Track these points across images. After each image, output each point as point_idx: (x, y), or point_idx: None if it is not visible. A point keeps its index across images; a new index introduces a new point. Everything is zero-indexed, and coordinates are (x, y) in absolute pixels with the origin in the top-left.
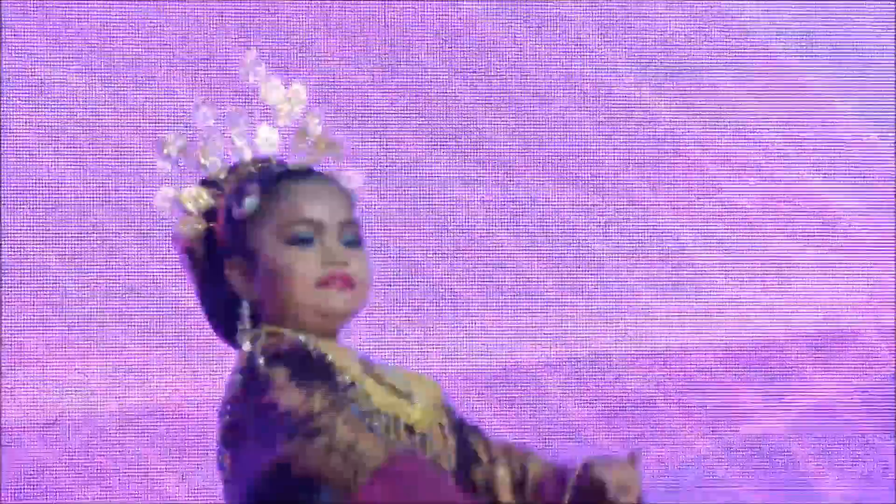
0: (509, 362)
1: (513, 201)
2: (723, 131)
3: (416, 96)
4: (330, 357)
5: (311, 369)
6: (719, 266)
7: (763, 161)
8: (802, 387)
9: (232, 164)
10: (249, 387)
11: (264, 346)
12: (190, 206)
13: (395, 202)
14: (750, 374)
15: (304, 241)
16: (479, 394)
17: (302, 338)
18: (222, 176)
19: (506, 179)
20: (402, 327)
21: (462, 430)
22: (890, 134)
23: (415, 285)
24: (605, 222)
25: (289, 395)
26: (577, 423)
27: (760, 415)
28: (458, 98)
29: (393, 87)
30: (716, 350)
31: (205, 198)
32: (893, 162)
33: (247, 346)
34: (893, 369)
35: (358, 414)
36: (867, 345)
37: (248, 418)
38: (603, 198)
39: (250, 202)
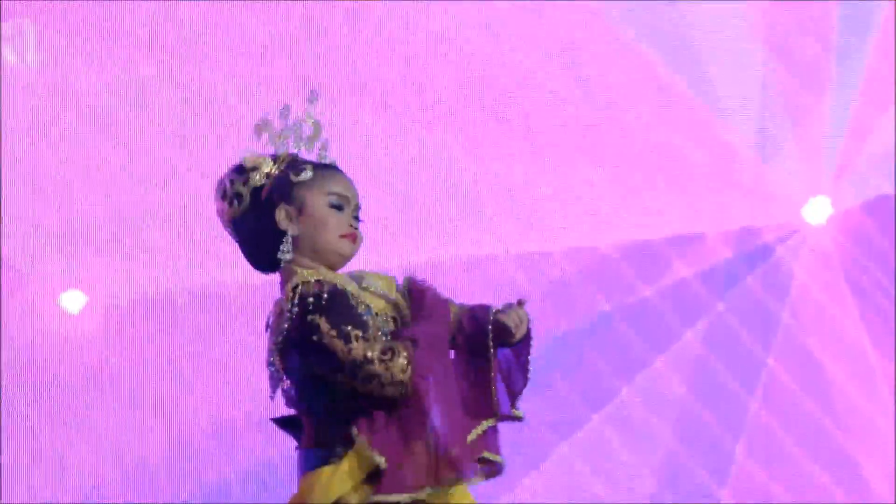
0: None
1: None
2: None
3: None
4: (349, 289)
5: (343, 309)
6: None
7: None
8: None
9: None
10: (300, 325)
11: (310, 292)
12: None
13: None
14: None
15: (338, 207)
16: None
17: (335, 281)
18: (283, 158)
19: None
20: None
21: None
22: None
23: None
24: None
25: (332, 343)
26: None
27: None
28: None
29: None
30: None
31: (270, 165)
32: None
33: (294, 288)
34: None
35: (380, 326)
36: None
37: (299, 346)
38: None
39: (306, 174)
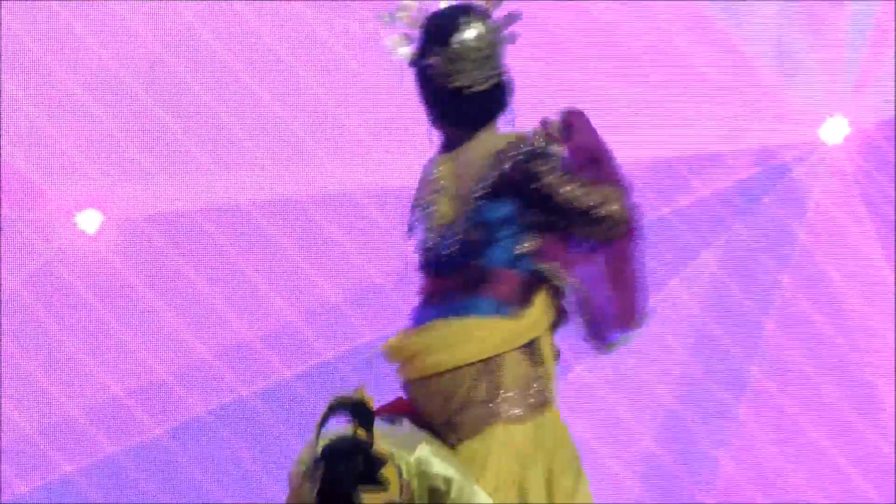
0: None
1: None
2: None
3: None
4: None
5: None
6: None
7: None
8: None
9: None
10: (534, 156)
11: (537, 147)
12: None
13: None
14: None
15: None
16: None
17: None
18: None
19: None
20: None
21: None
22: None
23: None
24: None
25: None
26: None
27: None
28: None
29: None
30: None
31: None
32: None
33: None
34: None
35: None
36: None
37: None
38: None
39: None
